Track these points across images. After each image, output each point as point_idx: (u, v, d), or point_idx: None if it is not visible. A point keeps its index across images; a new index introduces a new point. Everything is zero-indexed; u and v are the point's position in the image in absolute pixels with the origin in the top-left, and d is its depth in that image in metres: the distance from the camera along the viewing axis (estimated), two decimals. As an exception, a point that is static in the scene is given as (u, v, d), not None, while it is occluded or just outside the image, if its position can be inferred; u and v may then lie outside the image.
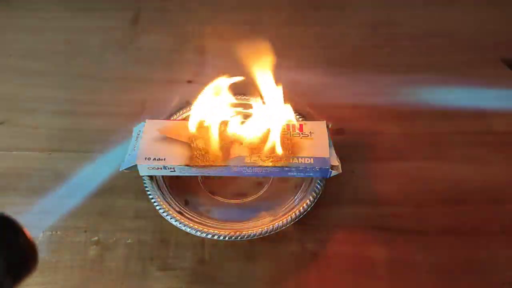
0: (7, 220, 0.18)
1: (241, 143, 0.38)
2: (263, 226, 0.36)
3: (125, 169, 0.37)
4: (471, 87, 0.52)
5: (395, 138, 0.46)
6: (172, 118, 0.44)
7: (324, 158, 0.37)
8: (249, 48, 0.40)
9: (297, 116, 0.44)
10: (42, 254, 0.36)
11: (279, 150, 0.37)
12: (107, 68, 0.54)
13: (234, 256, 0.36)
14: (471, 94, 0.51)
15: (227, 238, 0.35)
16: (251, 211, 0.39)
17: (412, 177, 0.42)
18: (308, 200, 0.37)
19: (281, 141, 0.38)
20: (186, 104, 0.46)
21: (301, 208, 0.37)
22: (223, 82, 0.40)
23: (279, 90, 0.38)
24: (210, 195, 0.40)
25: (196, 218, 0.37)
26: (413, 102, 0.50)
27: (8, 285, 0.18)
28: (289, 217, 0.36)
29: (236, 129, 0.39)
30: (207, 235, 0.35)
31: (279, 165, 0.37)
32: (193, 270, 0.36)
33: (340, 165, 0.37)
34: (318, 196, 0.38)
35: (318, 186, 0.38)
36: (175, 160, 0.37)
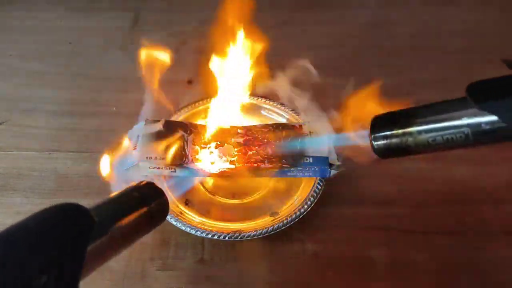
0: (155, 186, 0.28)
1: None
2: (263, 226, 0.36)
3: (126, 169, 0.37)
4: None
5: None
6: (172, 118, 0.44)
7: (324, 157, 0.37)
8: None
9: (297, 116, 0.44)
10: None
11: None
12: (107, 68, 0.54)
13: (234, 256, 0.36)
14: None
15: (227, 238, 0.35)
16: (251, 211, 0.38)
17: (412, 177, 0.42)
18: (308, 200, 0.37)
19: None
20: (186, 104, 0.46)
21: (301, 208, 0.37)
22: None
23: None
24: (210, 195, 0.40)
25: (196, 218, 0.37)
26: (413, 102, 0.50)
27: (157, 223, 0.27)
28: (289, 217, 0.36)
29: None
30: (207, 235, 0.35)
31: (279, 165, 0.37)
32: (193, 270, 0.36)
33: (340, 165, 0.37)
34: (318, 196, 0.37)
35: (318, 186, 0.38)
36: (175, 160, 0.37)
